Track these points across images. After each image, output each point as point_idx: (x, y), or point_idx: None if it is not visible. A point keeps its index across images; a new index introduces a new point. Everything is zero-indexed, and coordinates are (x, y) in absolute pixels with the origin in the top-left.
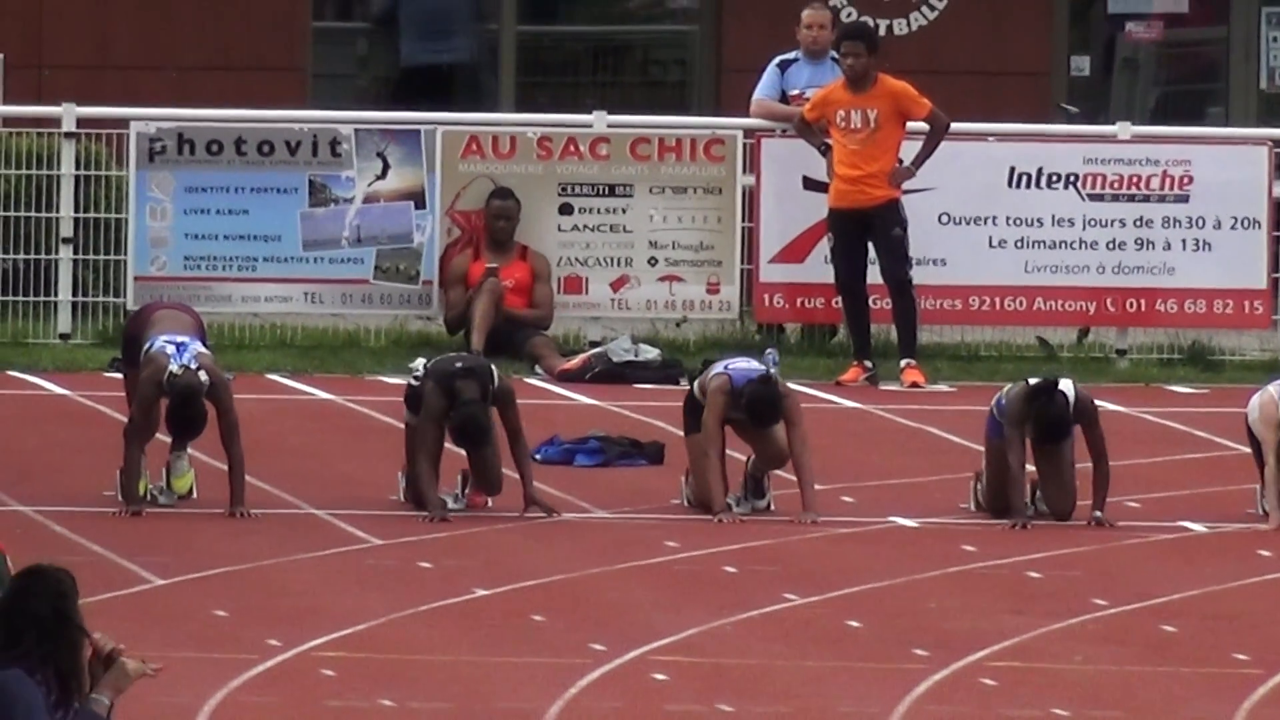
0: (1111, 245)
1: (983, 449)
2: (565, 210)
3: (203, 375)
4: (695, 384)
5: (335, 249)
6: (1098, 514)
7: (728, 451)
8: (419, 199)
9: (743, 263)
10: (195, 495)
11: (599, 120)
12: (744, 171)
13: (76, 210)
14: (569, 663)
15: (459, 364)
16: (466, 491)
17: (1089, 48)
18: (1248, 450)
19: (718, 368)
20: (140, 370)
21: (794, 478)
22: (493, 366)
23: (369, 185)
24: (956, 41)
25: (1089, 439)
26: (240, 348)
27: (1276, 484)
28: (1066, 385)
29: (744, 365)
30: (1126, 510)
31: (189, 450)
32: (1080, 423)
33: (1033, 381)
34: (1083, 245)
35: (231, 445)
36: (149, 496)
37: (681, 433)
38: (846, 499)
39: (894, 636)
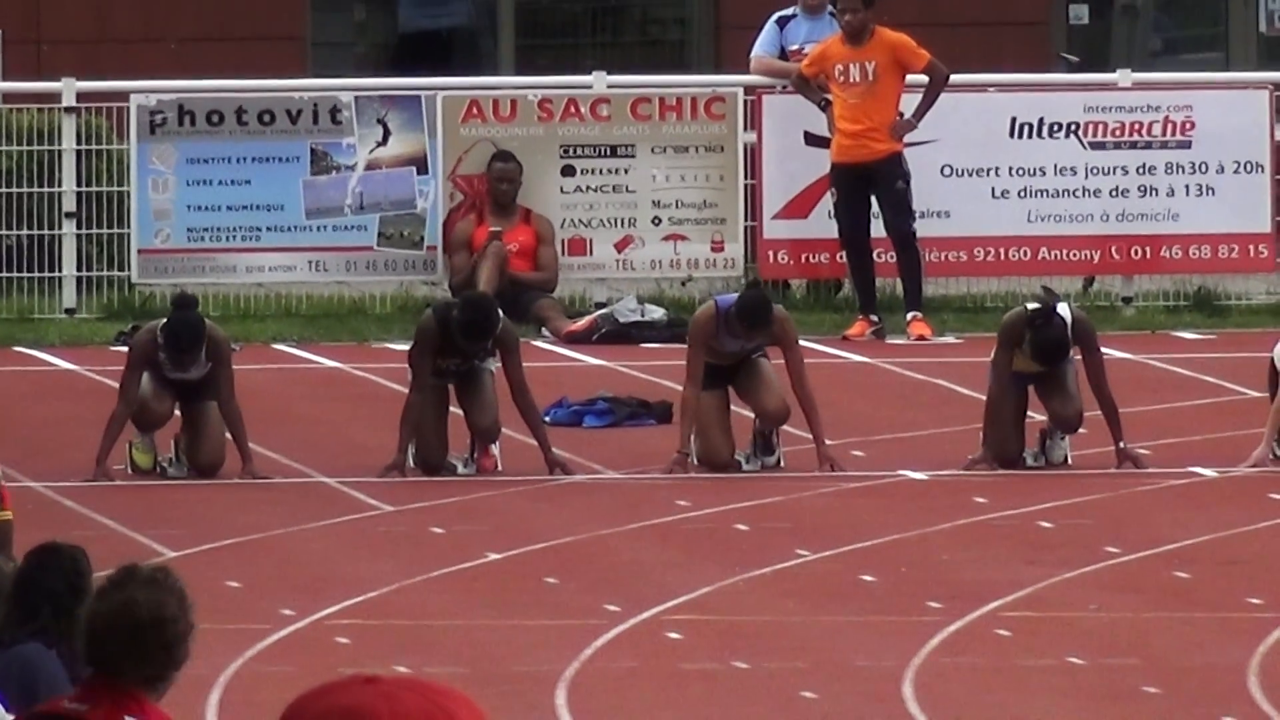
0: (1115, 193)
1: None
2: (567, 172)
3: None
4: None
5: (338, 216)
6: (1122, 444)
7: (735, 408)
8: (421, 164)
9: (746, 220)
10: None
11: (599, 81)
12: (745, 129)
13: (79, 185)
14: (583, 624)
15: (460, 300)
16: (475, 455)
17: None
18: (1256, 394)
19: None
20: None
21: (807, 434)
22: (500, 310)
23: (370, 152)
24: None
25: (1088, 364)
26: (245, 318)
27: (1273, 418)
28: (1063, 309)
29: (733, 295)
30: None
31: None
32: (1079, 345)
33: (1031, 306)
34: (1086, 194)
35: (229, 400)
36: (159, 469)
37: None
38: (856, 453)
39: (907, 589)
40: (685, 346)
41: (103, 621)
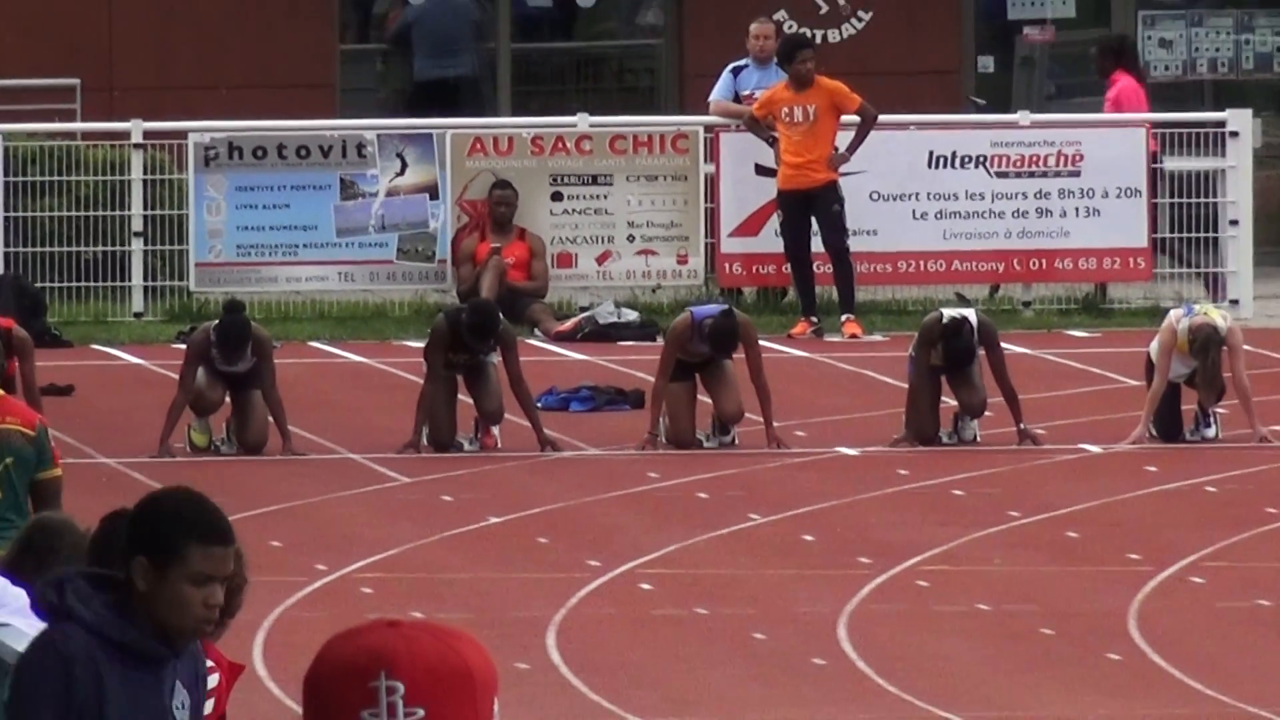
0: (1016, 214)
1: None
2: (556, 197)
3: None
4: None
5: (363, 235)
6: (1022, 425)
7: (701, 397)
8: (433, 191)
9: (706, 237)
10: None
11: (582, 121)
12: (705, 161)
13: (145, 209)
14: (569, 577)
15: (467, 305)
16: (478, 435)
17: (992, 49)
18: (1135, 383)
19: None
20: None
21: (758, 417)
22: (500, 313)
23: (390, 181)
24: (880, 46)
25: (991, 360)
26: (285, 320)
27: (1149, 403)
28: (970, 314)
29: (708, 307)
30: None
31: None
32: (983, 345)
33: (945, 317)
34: (992, 215)
35: (271, 389)
36: (212, 447)
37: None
38: (799, 433)
39: (841, 548)
40: (655, 344)
41: None
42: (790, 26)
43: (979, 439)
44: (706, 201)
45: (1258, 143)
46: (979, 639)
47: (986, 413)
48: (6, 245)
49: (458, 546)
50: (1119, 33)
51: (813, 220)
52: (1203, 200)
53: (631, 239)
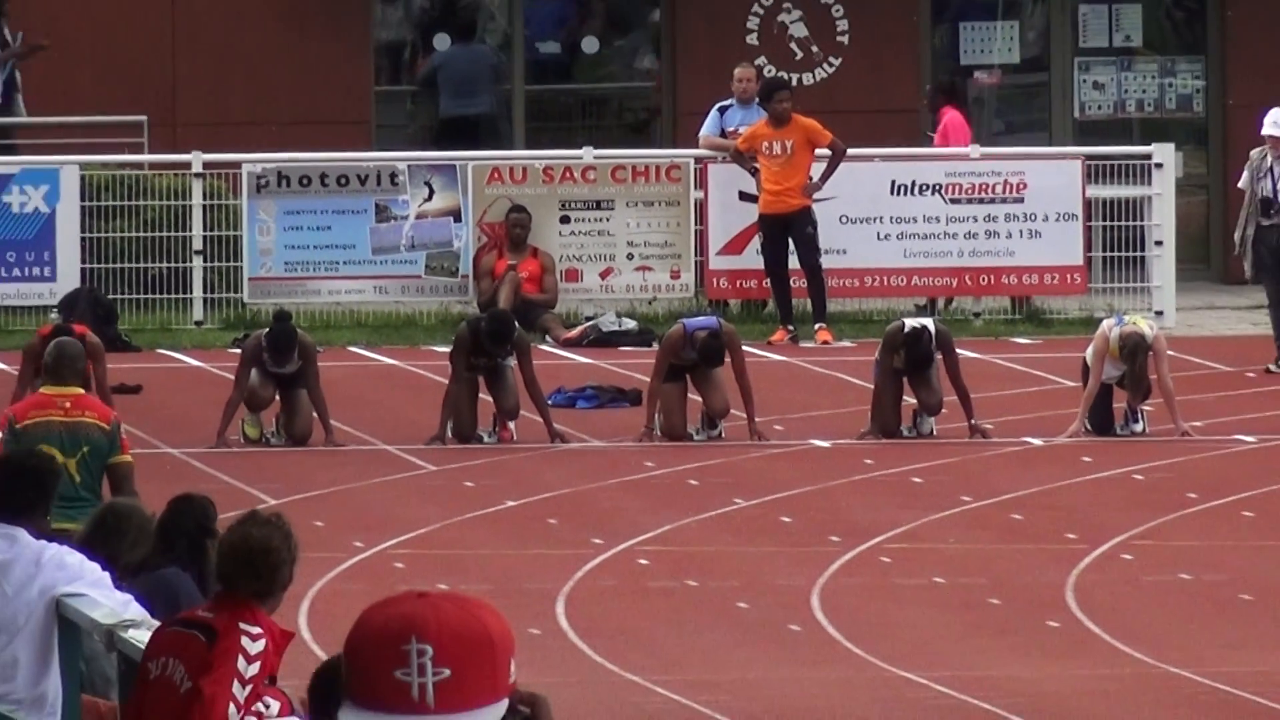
0: (968, 236)
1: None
2: (565, 220)
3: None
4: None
5: (396, 254)
6: (973, 422)
7: (692, 396)
8: (456, 215)
9: (696, 256)
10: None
11: (588, 154)
12: (695, 189)
13: (204, 230)
14: (576, 553)
15: (486, 315)
16: (496, 429)
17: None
18: (1071, 384)
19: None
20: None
21: (743, 414)
22: (515, 322)
23: (419, 206)
24: (849, 88)
25: (947, 364)
26: (327, 328)
27: (1085, 402)
28: (929, 323)
29: (698, 319)
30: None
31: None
32: (940, 350)
33: (907, 326)
34: (946, 236)
35: (315, 388)
36: (264, 439)
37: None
38: (778, 427)
39: (815, 528)
40: (651, 349)
41: (226, 549)
42: (769, 70)
43: (935, 433)
44: (696, 224)
45: (1179, 173)
46: (935, 608)
47: (942, 410)
48: (83, 262)
49: (478, 526)
50: (950, 76)
51: (790, 241)
52: (1131, 223)
53: (631, 257)
